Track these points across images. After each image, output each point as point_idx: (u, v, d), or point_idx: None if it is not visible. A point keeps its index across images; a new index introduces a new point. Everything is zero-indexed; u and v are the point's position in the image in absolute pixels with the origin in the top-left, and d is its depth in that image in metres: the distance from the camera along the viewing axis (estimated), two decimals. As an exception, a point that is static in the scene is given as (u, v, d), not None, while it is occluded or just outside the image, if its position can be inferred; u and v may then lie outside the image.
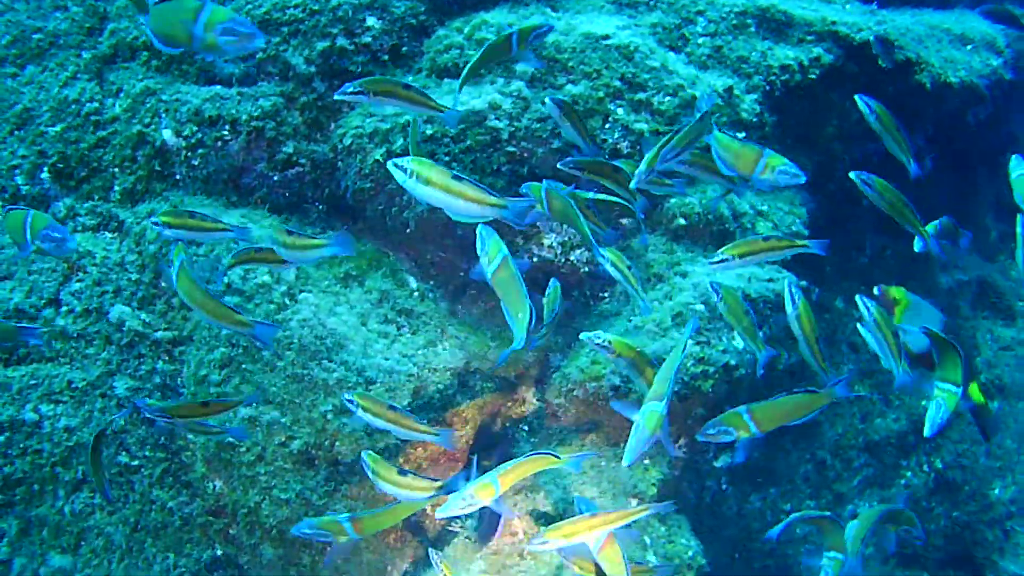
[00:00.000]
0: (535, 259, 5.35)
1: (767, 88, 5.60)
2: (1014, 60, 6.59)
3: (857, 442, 6.52)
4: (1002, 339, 7.26)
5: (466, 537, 4.98)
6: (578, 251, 5.36)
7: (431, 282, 5.47)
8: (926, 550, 6.85)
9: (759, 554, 6.27)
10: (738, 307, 4.48)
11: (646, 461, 5.07)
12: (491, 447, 5.25)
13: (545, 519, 4.92)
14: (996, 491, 7.03)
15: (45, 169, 5.53)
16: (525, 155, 5.16)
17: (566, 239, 5.35)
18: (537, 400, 5.30)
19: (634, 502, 4.98)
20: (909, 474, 6.72)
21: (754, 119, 5.47)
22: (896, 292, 4.70)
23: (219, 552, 5.05)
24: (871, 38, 5.81)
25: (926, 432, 4.49)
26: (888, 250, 6.79)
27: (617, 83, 5.24)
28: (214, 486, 4.98)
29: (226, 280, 4.94)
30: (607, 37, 5.31)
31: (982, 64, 6.30)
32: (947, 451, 6.83)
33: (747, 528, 6.23)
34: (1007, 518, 7.13)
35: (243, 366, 4.87)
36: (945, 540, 6.87)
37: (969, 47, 6.38)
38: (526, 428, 5.32)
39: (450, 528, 5.02)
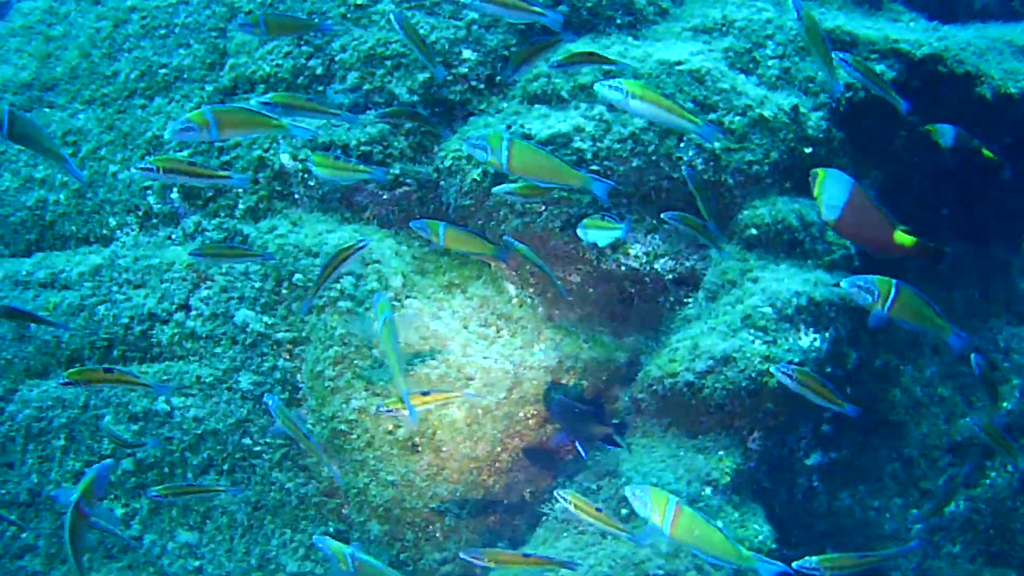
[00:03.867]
0: (623, 268, 6.34)
1: (833, 105, 6.48)
2: (1085, 70, 7.28)
3: (941, 443, 7.15)
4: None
5: (554, 519, 5.96)
6: (662, 260, 6.34)
7: (530, 289, 6.48)
8: (1013, 548, 7.51)
9: (849, 549, 7.03)
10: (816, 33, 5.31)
11: (720, 452, 6.00)
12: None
13: (626, 503, 5.87)
14: (1085, 492, 7.63)
15: (175, 189, 6.68)
16: (608, 172, 6.14)
17: (650, 249, 6.33)
18: (627, 397, 6.28)
19: (707, 489, 5.88)
20: (994, 474, 7.33)
21: (820, 135, 6.37)
22: (815, 170, 5.35)
23: (331, 528, 6.12)
24: None
25: None
26: (966, 257, 7.54)
27: (690, 105, 6.19)
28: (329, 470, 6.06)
29: (339, 287, 6.04)
30: (680, 63, 6.27)
31: (1047, 74, 7.05)
32: (1031, 452, 7.48)
33: (838, 524, 6.98)
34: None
35: (354, 362, 5.95)
36: (1033, 539, 7.52)
37: (1034, 58, 7.14)
38: (616, 421, 6.29)
39: (541, 510, 6.02)
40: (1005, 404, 7.38)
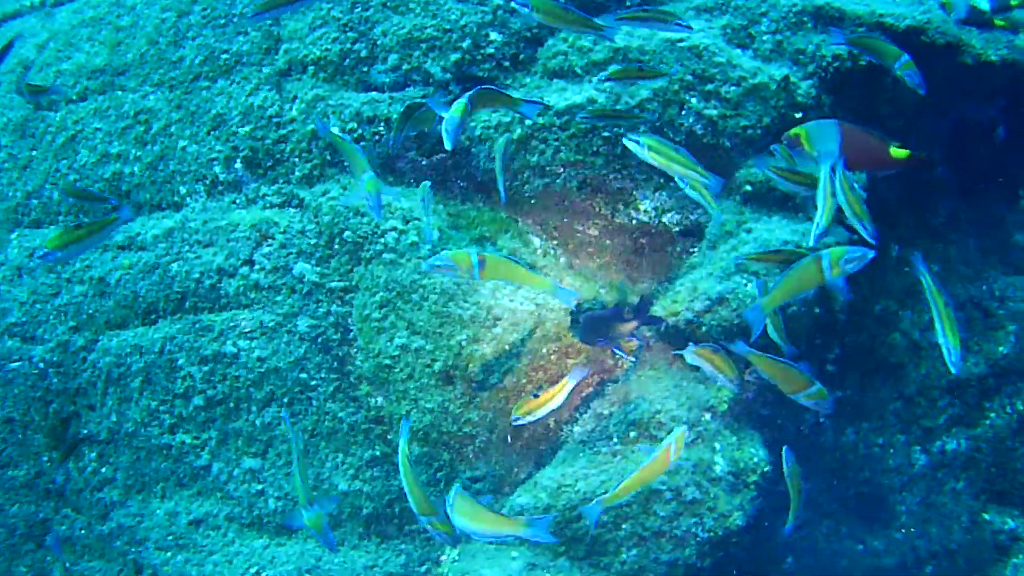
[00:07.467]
0: (634, 221, 7.60)
1: (822, 75, 7.63)
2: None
3: (941, 383, 8.05)
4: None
5: (572, 442, 7.21)
6: (669, 214, 7.58)
7: (553, 241, 7.75)
8: (1014, 488, 8.40)
9: (854, 482, 8.06)
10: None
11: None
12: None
13: (634, 426, 7.09)
14: (1083, 433, 8.42)
15: (238, 160, 8.00)
16: (617, 139, 7.38)
17: (659, 204, 7.57)
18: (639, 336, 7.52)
19: (707, 415, 7.03)
20: (993, 415, 8.15)
21: (811, 101, 7.53)
22: (792, 132, 6.23)
23: (377, 452, 7.48)
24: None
25: None
26: (961, 212, 8.49)
27: (689, 77, 7.44)
28: (376, 401, 7.39)
29: (383, 242, 7.34)
30: (681, 40, 7.50)
31: (1027, 42, 8.11)
32: (1030, 394, 8.26)
33: (843, 459, 8.03)
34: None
35: (397, 305, 7.26)
36: (1034, 479, 8.31)
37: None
38: (634, 359, 7.51)
39: (560, 434, 7.28)
40: (1001, 348, 8.32)
